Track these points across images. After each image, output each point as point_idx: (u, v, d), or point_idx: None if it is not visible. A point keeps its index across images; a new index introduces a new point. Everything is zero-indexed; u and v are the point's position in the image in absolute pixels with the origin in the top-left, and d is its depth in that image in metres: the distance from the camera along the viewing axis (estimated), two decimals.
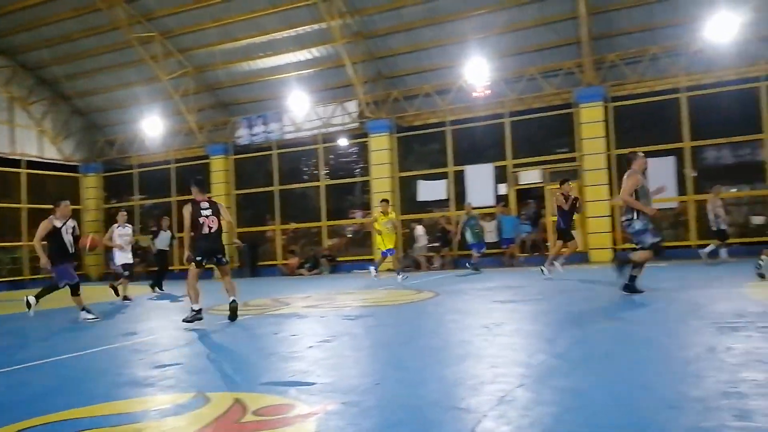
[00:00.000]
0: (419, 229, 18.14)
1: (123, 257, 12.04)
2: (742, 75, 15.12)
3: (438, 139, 18.54)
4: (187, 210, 7.22)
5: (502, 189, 17.43)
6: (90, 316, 8.55)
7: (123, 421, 3.45)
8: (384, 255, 13.02)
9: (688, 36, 15.22)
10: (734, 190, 15.87)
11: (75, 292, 8.66)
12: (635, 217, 7.41)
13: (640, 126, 16.19)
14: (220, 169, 20.86)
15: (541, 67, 16.94)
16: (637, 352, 4.63)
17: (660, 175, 15.76)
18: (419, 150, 19.54)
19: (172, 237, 14.21)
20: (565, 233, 11.43)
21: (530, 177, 17.36)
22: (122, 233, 12.11)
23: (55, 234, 8.55)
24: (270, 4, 17.40)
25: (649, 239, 7.38)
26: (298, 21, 17.76)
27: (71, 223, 8.76)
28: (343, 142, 19.96)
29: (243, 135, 20.55)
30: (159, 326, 8.01)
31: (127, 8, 18.10)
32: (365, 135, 18.92)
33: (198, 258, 7.20)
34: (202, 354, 5.59)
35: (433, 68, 18.17)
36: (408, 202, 18.65)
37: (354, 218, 20.11)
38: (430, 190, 18.31)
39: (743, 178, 15.76)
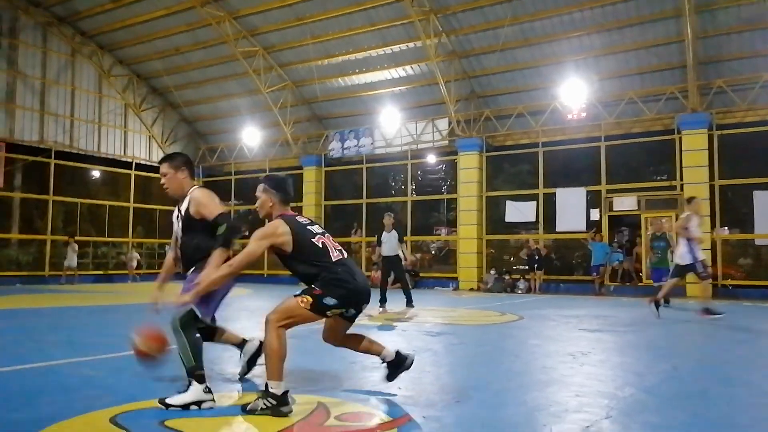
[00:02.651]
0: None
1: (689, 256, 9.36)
2: None
3: (529, 160, 18.26)
4: (277, 228, 3.86)
5: (595, 214, 16.89)
6: None
7: (211, 413, 3.64)
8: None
9: None
10: None
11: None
12: None
13: (748, 156, 15.25)
14: (312, 179, 21.50)
15: (642, 91, 16.36)
16: (736, 393, 4.37)
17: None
18: (509, 170, 19.33)
19: (401, 239, 10.70)
20: None
21: (625, 204, 16.71)
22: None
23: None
24: (367, 22, 17.85)
25: None
26: (394, 39, 18.10)
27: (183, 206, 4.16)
28: (432, 159, 20.05)
29: (335, 148, 21.11)
30: (248, 327, 8.32)
31: (234, 24, 19.11)
32: (455, 153, 18.93)
33: (339, 305, 3.93)
34: (287, 356, 5.75)
35: (527, 89, 17.95)
36: (495, 222, 18.44)
37: (438, 235, 20.09)
38: (519, 212, 18.03)
39: None
